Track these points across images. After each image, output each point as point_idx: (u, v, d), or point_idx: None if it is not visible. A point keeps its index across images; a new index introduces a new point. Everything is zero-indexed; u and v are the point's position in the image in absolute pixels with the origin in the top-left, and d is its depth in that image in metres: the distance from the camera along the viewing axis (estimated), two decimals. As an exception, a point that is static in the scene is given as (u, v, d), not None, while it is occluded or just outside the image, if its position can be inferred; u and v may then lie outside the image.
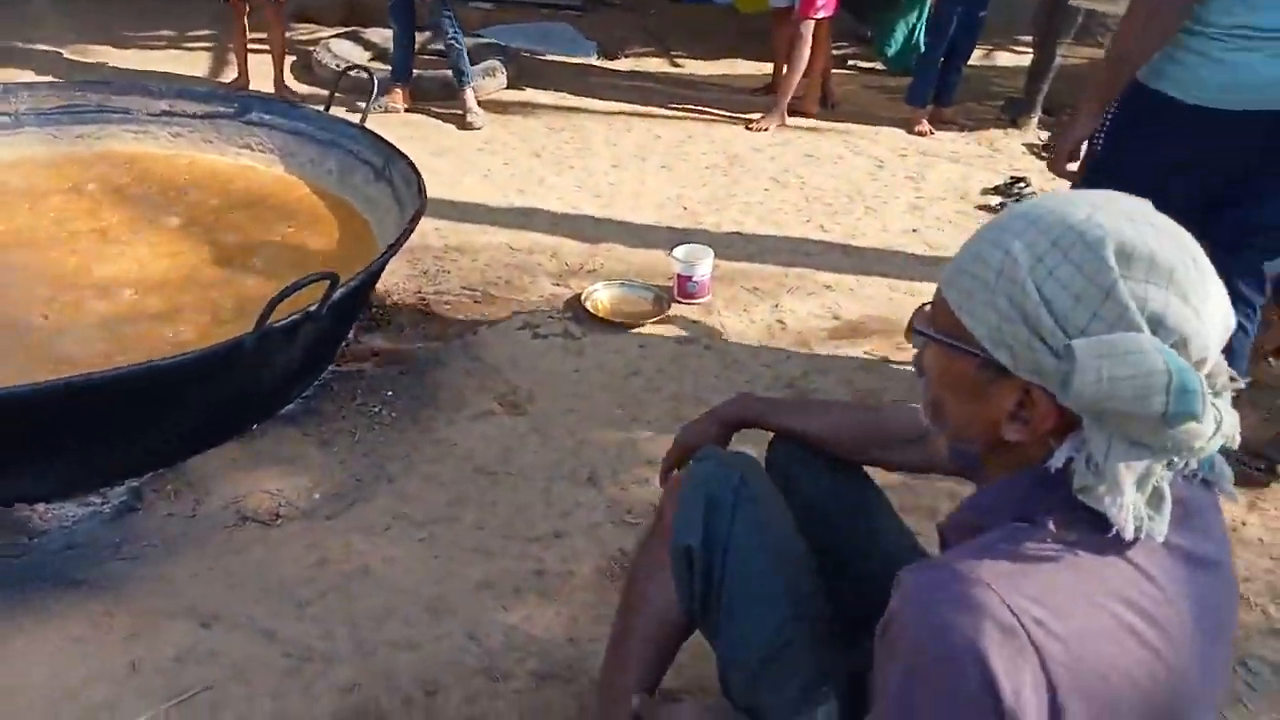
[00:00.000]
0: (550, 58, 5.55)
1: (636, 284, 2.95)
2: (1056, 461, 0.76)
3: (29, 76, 4.35)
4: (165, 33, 5.35)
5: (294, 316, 1.89)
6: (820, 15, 4.38)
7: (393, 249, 2.20)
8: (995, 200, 3.83)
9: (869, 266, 3.25)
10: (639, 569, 1.28)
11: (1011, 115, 4.77)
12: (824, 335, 2.80)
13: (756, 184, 3.92)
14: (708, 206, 3.67)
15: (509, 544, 1.93)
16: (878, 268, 3.24)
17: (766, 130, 4.52)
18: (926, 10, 5.50)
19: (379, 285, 2.72)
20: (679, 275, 2.88)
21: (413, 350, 2.58)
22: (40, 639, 1.61)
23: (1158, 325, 0.72)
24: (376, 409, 2.32)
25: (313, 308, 1.93)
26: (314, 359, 2.30)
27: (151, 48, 5.14)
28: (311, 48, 5.13)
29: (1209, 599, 0.79)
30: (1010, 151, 4.47)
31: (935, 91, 4.68)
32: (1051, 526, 0.75)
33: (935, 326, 0.84)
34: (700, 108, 4.86)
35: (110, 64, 4.82)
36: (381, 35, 5.36)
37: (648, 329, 2.76)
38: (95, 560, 1.80)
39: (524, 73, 5.16)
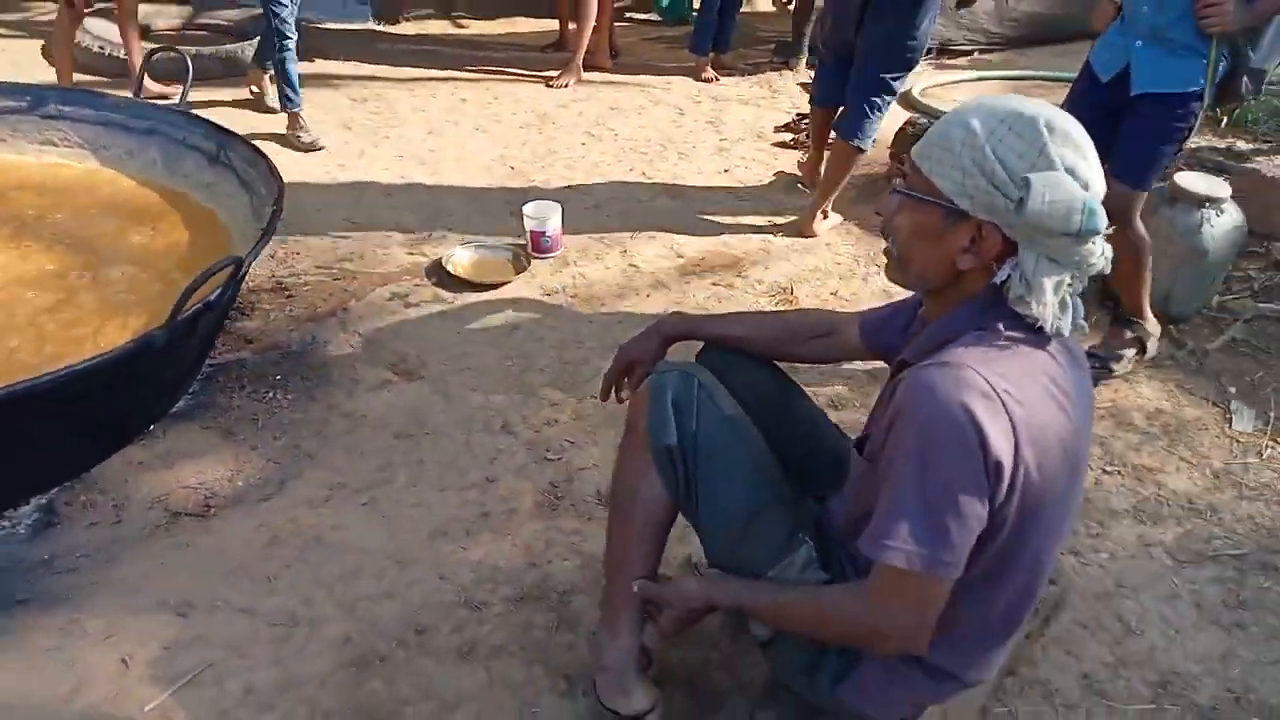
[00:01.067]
0: (328, 26, 5.37)
1: (492, 244, 3.07)
2: (999, 277, 1.10)
3: None
4: None
5: (197, 306, 1.89)
6: None
7: (270, 228, 2.20)
8: (788, 136, 4.25)
9: (696, 207, 3.55)
10: (623, 475, 1.46)
11: (784, 57, 5.22)
12: (674, 272, 3.07)
13: (572, 139, 4.11)
14: (532, 165, 3.82)
15: (447, 495, 2.06)
16: (702, 206, 3.55)
17: (566, 86, 4.69)
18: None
19: (236, 273, 2.67)
20: (532, 232, 3.03)
21: (286, 333, 2.58)
22: (14, 657, 1.57)
23: (1072, 173, 1.06)
24: (270, 394, 2.33)
25: (213, 296, 1.93)
26: (202, 350, 2.27)
27: None
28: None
29: (1085, 387, 1.18)
30: (789, 91, 4.92)
31: (714, 40, 5.02)
32: (1001, 329, 1.10)
33: (908, 188, 1.14)
34: (497, 68, 4.94)
35: None
36: (141, 12, 4.97)
37: (513, 286, 2.90)
38: (31, 579, 1.75)
39: (306, 44, 4.98)
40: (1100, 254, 1.09)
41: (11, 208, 2.66)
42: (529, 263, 2.99)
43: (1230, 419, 2.52)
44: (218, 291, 1.93)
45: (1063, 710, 1.69)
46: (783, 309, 2.82)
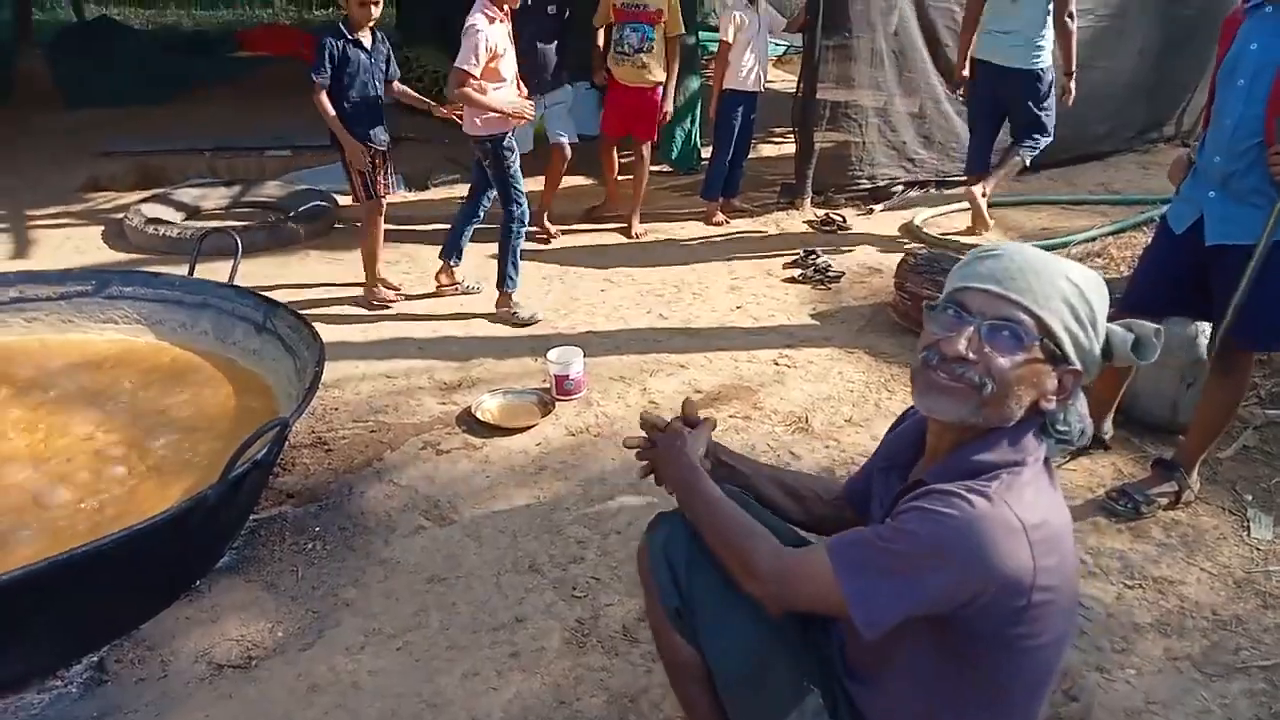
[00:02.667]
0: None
1: (519, 390, 3.24)
2: (1068, 414, 1.24)
3: None
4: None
5: (246, 465, 2.04)
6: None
7: (312, 388, 2.38)
8: (796, 271, 4.46)
9: (710, 343, 3.71)
10: (657, 637, 1.51)
11: (789, 198, 5.51)
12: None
13: (593, 286, 4.34)
14: (556, 312, 4.03)
15: (479, 636, 2.13)
16: (718, 343, 3.71)
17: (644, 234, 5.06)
18: (699, 115, 6.28)
19: (279, 431, 2.84)
20: (556, 376, 3.20)
21: (325, 486, 2.72)
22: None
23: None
24: (310, 545, 2.45)
25: (260, 455, 2.09)
26: (247, 509, 2.41)
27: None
28: (117, 214, 5.10)
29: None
30: (794, 229, 5.18)
31: (724, 185, 5.33)
32: (1029, 460, 1.21)
33: (1030, 336, 1.18)
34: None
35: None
36: (190, 195, 5.42)
37: (539, 429, 3.04)
38: (83, 737, 1.83)
39: (343, 213, 5.35)
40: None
41: (77, 382, 2.87)
42: (554, 406, 3.14)
43: (1248, 527, 2.54)
44: (264, 450, 2.08)
45: (1099, 833, 1.68)
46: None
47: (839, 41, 5.34)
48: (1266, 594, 2.28)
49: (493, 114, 3.74)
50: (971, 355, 1.19)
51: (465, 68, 3.63)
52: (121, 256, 4.68)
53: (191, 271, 3.16)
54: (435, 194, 5.97)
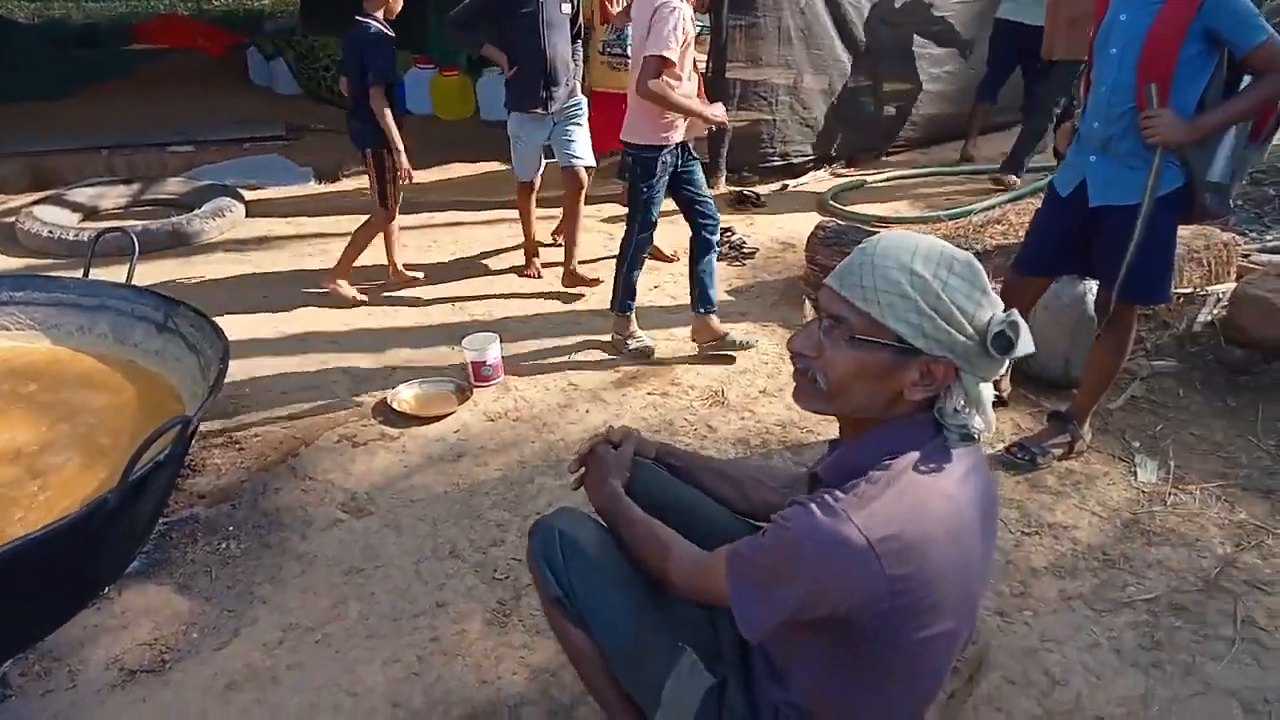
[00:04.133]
0: (271, 193, 5.64)
1: (435, 379, 3.23)
2: (949, 402, 1.21)
3: None
4: None
5: (148, 466, 1.99)
6: None
7: (216, 385, 2.32)
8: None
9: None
10: (549, 617, 1.58)
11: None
12: (611, 386, 3.24)
13: (509, 273, 4.33)
14: (476, 301, 4.01)
15: (399, 624, 2.13)
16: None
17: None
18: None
19: (187, 432, 2.77)
20: (472, 362, 3.19)
21: (238, 485, 2.68)
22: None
23: (1004, 306, 1.20)
24: (223, 545, 2.41)
25: (162, 455, 2.04)
26: (154, 512, 2.35)
27: None
28: (9, 218, 4.89)
29: (986, 489, 1.27)
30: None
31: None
32: (912, 459, 1.19)
33: (854, 333, 1.20)
34: (433, 211, 5.21)
35: None
36: (86, 194, 5.22)
37: (457, 416, 3.04)
38: (-12, 753, 1.79)
39: (250, 207, 5.23)
40: (1006, 368, 1.24)
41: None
42: (471, 392, 3.14)
43: (1135, 472, 2.69)
44: (166, 451, 2.04)
45: (998, 766, 1.77)
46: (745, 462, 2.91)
47: (748, 21, 5.40)
48: (1150, 532, 2.43)
49: (675, 117, 3.19)
50: (810, 352, 1.25)
51: (665, 53, 3.03)
52: (15, 262, 4.49)
53: (86, 273, 3.05)
54: (346, 184, 5.87)
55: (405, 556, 2.36)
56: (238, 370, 3.32)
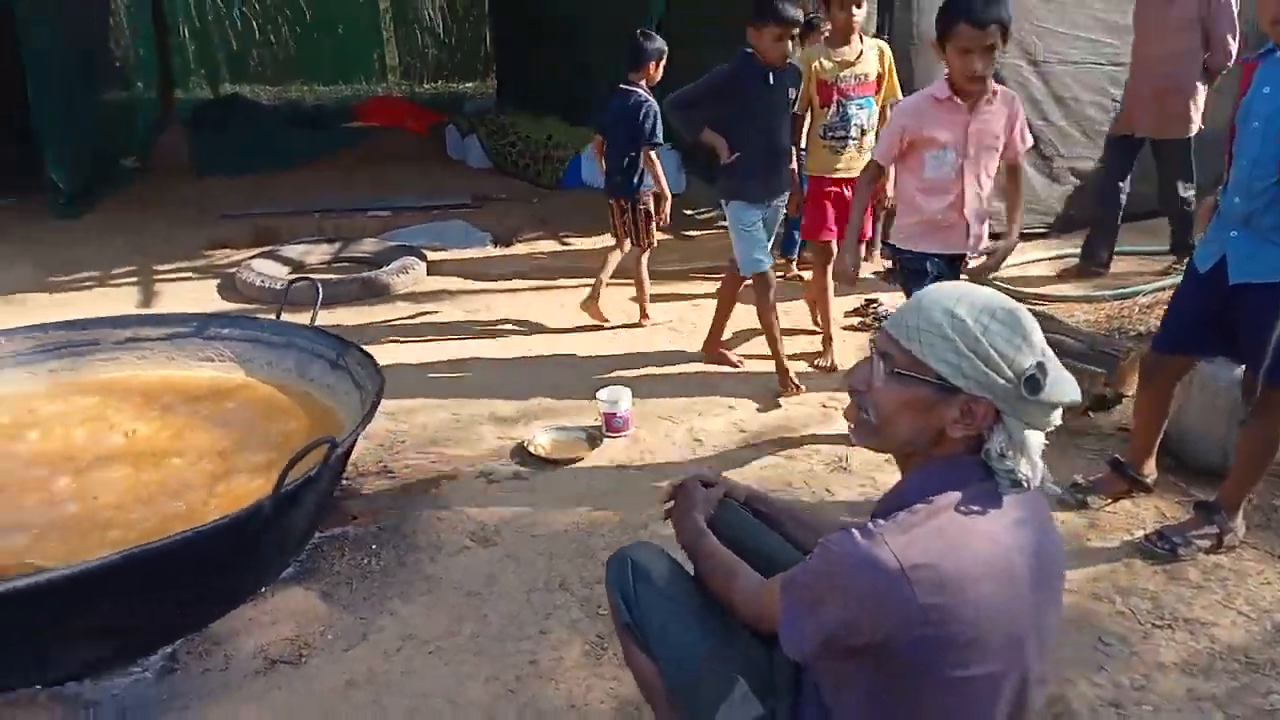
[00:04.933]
0: (452, 254, 6.14)
1: (570, 427, 3.42)
2: (992, 445, 1.25)
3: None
4: (91, 274, 5.73)
5: (298, 480, 2.27)
6: None
7: (368, 417, 2.61)
8: (856, 320, 4.53)
9: (762, 387, 3.82)
10: (621, 642, 1.69)
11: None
12: (735, 445, 3.32)
13: (656, 333, 4.52)
14: (618, 358, 4.22)
15: (505, 645, 2.28)
16: (770, 387, 3.81)
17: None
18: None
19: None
20: (605, 414, 3.37)
21: (386, 509, 2.94)
22: (124, 779, 1.86)
23: (1045, 353, 1.24)
24: (365, 560, 2.66)
25: (313, 471, 2.32)
26: (309, 524, 2.65)
27: (80, 289, 5.50)
28: (232, 269, 5.60)
29: (1042, 543, 1.28)
30: (860, 279, 5.23)
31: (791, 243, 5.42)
32: (957, 498, 1.23)
33: (897, 368, 1.28)
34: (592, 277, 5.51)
35: (46, 309, 5.15)
36: (296, 251, 5.91)
37: (586, 462, 3.21)
38: (151, 715, 2.06)
39: (431, 267, 5.73)
40: (1059, 418, 1.27)
41: (175, 410, 3.21)
42: (601, 441, 3.31)
43: (1293, 570, 2.47)
44: (316, 469, 2.31)
45: None
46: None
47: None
48: (1303, 637, 2.22)
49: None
50: (862, 386, 1.33)
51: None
52: (232, 307, 5.14)
53: (279, 316, 3.49)
54: (519, 249, 6.31)
55: (520, 585, 2.52)
56: (400, 409, 3.67)
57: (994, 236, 3.10)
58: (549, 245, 6.40)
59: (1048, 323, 3.72)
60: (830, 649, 1.27)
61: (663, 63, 4.32)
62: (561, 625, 2.35)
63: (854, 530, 1.23)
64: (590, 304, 4.61)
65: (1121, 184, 4.89)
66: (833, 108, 3.89)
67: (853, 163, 3.93)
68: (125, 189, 8.13)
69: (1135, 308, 4.24)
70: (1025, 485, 1.26)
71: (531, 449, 3.26)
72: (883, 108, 3.98)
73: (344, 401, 3.14)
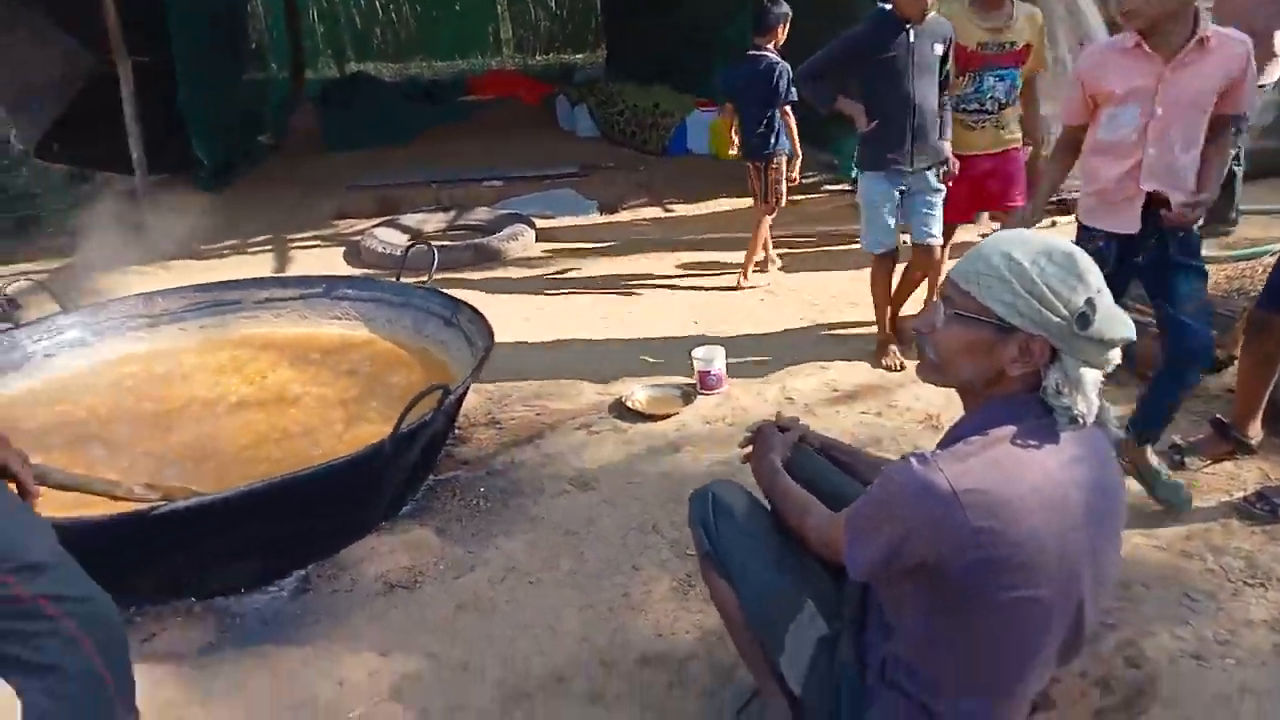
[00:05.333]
0: (562, 221, 6.36)
1: (666, 384, 3.57)
2: (1049, 382, 1.32)
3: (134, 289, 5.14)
4: (230, 242, 6.21)
5: (415, 423, 2.49)
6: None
7: (478, 368, 2.83)
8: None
9: (858, 349, 3.86)
10: (702, 569, 1.82)
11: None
12: (826, 403, 3.39)
13: (753, 296, 4.61)
14: (715, 319, 4.33)
15: (600, 580, 2.46)
16: (865, 348, 3.85)
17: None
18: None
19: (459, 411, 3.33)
20: (699, 371, 3.49)
21: (493, 456, 3.16)
22: (268, 674, 2.14)
23: (1101, 293, 1.31)
24: (474, 502, 2.89)
25: (427, 416, 2.54)
26: (424, 466, 2.89)
27: (220, 256, 5.99)
28: (356, 238, 5.97)
29: (1099, 479, 1.35)
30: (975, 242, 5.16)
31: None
32: (1012, 431, 1.31)
33: (957, 310, 1.36)
34: (697, 241, 5.62)
35: (194, 273, 5.64)
36: (414, 220, 6.23)
37: (680, 417, 3.35)
38: (288, 627, 2.34)
39: (541, 234, 5.96)
40: (1118, 357, 1.34)
41: (309, 361, 3.52)
42: (696, 398, 3.44)
43: (1404, 535, 2.39)
44: (430, 413, 2.53)
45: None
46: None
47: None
48: (1405, 600, 2.16)
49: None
50: (925, 329, 1.42)
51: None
52: (356, 272, 5.49)
53: (398, 278, 3.76)
54: (623, 216, 6.47)
55: (615, 527, 2.69)
56: (507, 366, 3.88)
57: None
58: (652, 212, 6.54)
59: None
60: (890, 570, 1.38)
61: (788, 26, 4.40)
62: (652, 564, 2.51)
63: (913, 459, 1.33)
64: (746, 269, 4.79)
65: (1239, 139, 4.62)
66: (968, 77, 3.56)
67: (987, 141, 3.63)
68: (261, 164, 8.70)
69: (1260, 268, 4.04)
70: (1081, 422, 1.32)
71: (629, 404, 3.42)
72: (1027, 81, 3.65)
73: (456, 356, 3.37)
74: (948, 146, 3.56)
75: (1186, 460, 2.78)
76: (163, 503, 2.13)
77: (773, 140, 4.49)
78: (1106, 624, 1.90)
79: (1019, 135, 3.73)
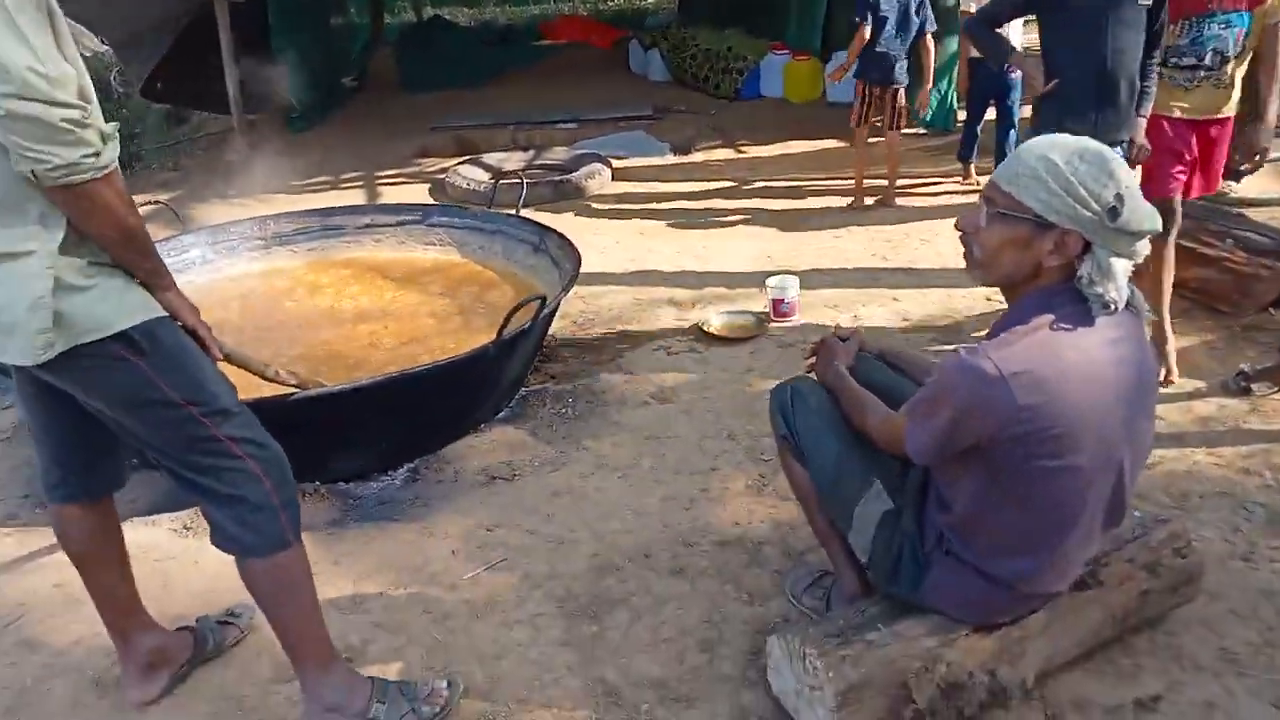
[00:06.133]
0: (636, 161, 6.52)
1: (740, 311, 3.74)
2: (1083, 272, 1.46)
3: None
4: (324, 178, 6.52)
5: (515, 331, 2.72)
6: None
7: (569, 285, 3.04)
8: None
9: (929, 281, 3.98)
10: (780, 451, 2.01)
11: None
12: (896, 331, 3.53)
13: (826, 233, 4.73)
14: (788, 254, 4.48)
15: (679, 477, 2.68)
16: (936, 282, 3.97)
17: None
18: (954, 76, 6.36)
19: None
20: (772, 299, 3.66)
21: (579, 372, 3.39)
22: (388, 543, 2.42)
23: (1131, 189, 1.44)
24: (563, 410, 3.12)
25: (526, 325, 2.77)
26: (518, 376, 3.13)
27: (314, 191, 6.30)
28: (440, 175, 6.22)
29: (1134, 355, 1.51)
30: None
31: (974, 149, 5.40)
32: (1051, 318, 1.46)
33: (999, 209, 1.49)
34: (768, 182, 5.73)
35: (291, 206, 5.96)
36: (495, 159, 6.45)
37: (754, 341, 3.53)
38: (402, 508, 2.62)
39: (617, 173, 6.13)
40: (1147, 249, 1.48)
41: (411, 280, 3.79)
42: (768, 324, 3.61)
43: None
44: (528, 323, 2.76)
45: (1190, 669, 1.89)
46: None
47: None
48: None
49: None
50: (969, 229, 1.55)
51: None
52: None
53: (489, 207, 3.98)
54: (696, 157, 6.60)
55: (693, 433, 2.90)
56: (590, 293, 4.10)
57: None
58: (724, 154, 6.65)
59: (1237, 220, 3.65)
60: (946, 451, 1.55)
61: None
62: (729, 464, 2.72)
63: (962, 351, 1.49)
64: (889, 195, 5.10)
65: None
66: (1183, 25, 2.89)
67: (1208, 103, 2.92)
68: (346, 105, 9.00)
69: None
70: (1112, 308, 1.47)
71: (705, 328, 3.61)
72: (1264, 28, 2.86)
73: (545, 279, 3.60)
74: (1143, 124, 2.92)
75: (1252, 387, 2.86)
76: (299, 389, 2.39)
77: (904, 67, 4.89)
78: (1159, 519, 2.04)
79: (1234, 102, 2.96)
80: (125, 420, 1.56)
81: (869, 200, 5.13)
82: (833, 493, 1.87)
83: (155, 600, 2.06)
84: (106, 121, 1.43)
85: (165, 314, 1.57)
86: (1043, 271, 1.50)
